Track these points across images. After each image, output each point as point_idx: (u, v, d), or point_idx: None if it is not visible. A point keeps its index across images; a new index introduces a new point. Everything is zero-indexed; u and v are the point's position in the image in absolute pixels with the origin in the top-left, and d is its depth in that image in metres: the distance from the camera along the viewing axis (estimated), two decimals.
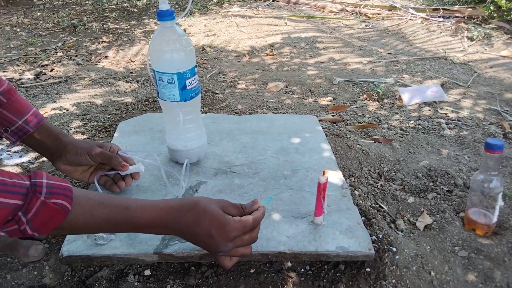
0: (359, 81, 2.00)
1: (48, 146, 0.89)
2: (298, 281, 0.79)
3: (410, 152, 1.29)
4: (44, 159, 1.19)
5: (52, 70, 2.19)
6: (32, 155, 1.23)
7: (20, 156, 1.22)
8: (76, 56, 2.47)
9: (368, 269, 0.81)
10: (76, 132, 1.38)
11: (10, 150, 1.26)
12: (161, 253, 0.77)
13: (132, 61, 2.37)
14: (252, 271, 0.81)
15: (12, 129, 0.84)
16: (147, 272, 0.80)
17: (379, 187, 1.10)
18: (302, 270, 0.81)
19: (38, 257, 0.82)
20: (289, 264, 0.82)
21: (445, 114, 1.66)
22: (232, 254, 0.70)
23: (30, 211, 0.55)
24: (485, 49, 2.57)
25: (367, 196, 1.05)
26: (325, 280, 0.79)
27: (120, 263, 0.81)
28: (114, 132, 1.20)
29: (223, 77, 2.06)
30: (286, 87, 1.92)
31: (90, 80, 2.01)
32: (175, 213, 0.66)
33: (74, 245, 0.78)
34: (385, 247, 0.86)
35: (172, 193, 0.91)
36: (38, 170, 0.60)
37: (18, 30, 3.13)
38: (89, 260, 0.77)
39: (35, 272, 0.81)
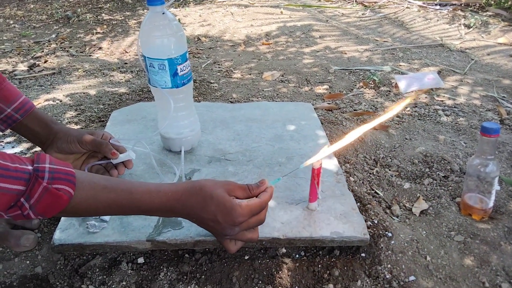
0: (355, 69, 1.98)
1: (39, 134, 0.87)
2: (293, 267, 0.78)
3: (406, 139, 1.28)
4: (37, 149, 1.18)
5: (45, 61, 2.17)
6: (25, 145, 1.22)
7: (13, 147, 1.21)
8: (70, 47, 2.44)
9: (363, 254, 0.81)
10: (70, 122, 1.36)
11: (3, 141, 1.25)
12: (154, 241, 0.76)
13: (126, 51, 2.35)
14: (246, 257, 0.80)
15: (1, 117, 0.83)
16: (141, 260, 0.79)
17: (374, 173, 1.09)
18: (297, 256, 0.81)
19: (29, 247, 0.81)
20: (284, 250, 0.81)
21: (442, 101, 1.65)
22: (239, 238, 0.70)
23: (33, 197, 0.54)
24: (482, 37, 2.55)
25: (363, 182, 1.04)
26: (320, 266, 0.79)
27: (113, 251, 0.80)
28: None
29: (218, 67, 2.04)
30: (282, 76, 1.91)
31: (84, 71, 1.99)
32: (181, 197, 0.65)
33: (66, 233, 0.77)
34: (380, 232, 0.85)
35: (166, 182, 0.90)
36: (42, 153, 0.59)
37: (11, 22, 3.10)
38: (81, 248, 0.76)
39: (28, 262, 0.80)
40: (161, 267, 0.78)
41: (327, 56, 2.19)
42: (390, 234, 0.85)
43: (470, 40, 2.49)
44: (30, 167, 0.55)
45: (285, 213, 0.82)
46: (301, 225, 0.79)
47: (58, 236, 0.77)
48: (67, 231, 0.78)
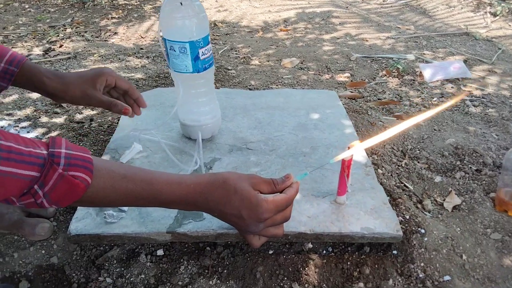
0: (377, 57, 1.91)
1: (43, 84, 0.82)
2: (320, 263, 0.74)
3: (434, 130, 1.22)
4: (53, 134, 1.15)
5: (61, 46, 2.13)
6: (40, 130, 1.19)
7: (28, 132, 1.18)
8: (86, 32, 2.41)
9: (395, 252, 0.76)
10: (86, 108, 1.33)
11: (18, 126, 1.22)
12: (175, 232, 0.72)
13: (142, 37, 2.31)
14: (270, 252, 0.76)
15: None
16: (160, 252, 0.76)
17: (403, 165, 1.03)
18: (324, 251, 0.76)
19: (45, 236, 0.78)
20: (310, 245, 0.77)
21: (469, 91, 1.58)
22: (263, 234, 0.66)
23: (47, 184, 0.50)
24: (510, 25, 2.45)
25: (391, 175, 0.99)
26: (349, 263, 0.74)
27: (131, 243, 0.77)
28: None
29: (236, 53, 1.99)
30: (302, 63, 1.85)
31: (99, 56, 1.96)
32: (204, 190, 0.61)
33: (83, 223, 0.74)
34: (413, 228, 0.80)
35: (185, 170, 0.86)
36: (58, 137, 0.55)
37: (27, 6, 3.07)
38: (99, 239, 0.73)
39: (43, 251, 0.77)
40: (182, 260, 0.75)
41: (348, 43, 2.12)
42: (423, 231, 0.80)
43: (496, 29, 2.39)
44: (45, 152, 0.51)
45: (312, 207, 0.78)
46: (329, 220, 0.75)
47: (75, 226, 0.73)
48: (83, 220, 0.74)
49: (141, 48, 2.09)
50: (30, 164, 0.49)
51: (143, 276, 0.72)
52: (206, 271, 0.73)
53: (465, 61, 1.86)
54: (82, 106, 1.33)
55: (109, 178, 0.56)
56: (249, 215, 0.61)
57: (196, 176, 0.64)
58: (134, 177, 0.58)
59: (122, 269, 0.74)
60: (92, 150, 1.05)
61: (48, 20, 2.67)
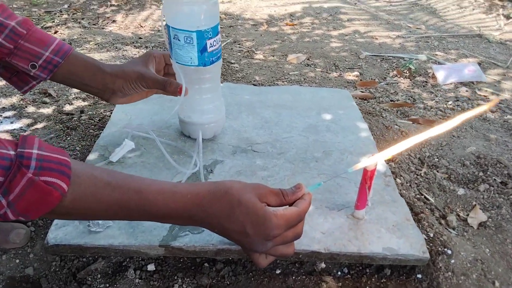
0: (388, 56, 1.82)
1: (87, 79, 0.75)
2: (334, 287, 0.65)
3: (453, 136, 1.12)
4: (38, 126, 1.05)
5: (56, 32, 2.03)
6: (25, 121, 1.08)
7: (12, 122, 1.08)
8: (83, 19, 2.30)
9: (419, 276, 0.67)
10: (77, 98, 1.23)
11: (1, 115, 1.12)
12: (169, 246, 0.63)
13: (141, 26, 2.20)
14: (278, 271, 0.67)
15: (40, 63, 0.70)
16: (151, 267, 0.66)
17: (422, 175, 0.94)
18: (339, 273, 0.67)
19: (20, 244, 0.69)
20: (323, 265, 0.68)
21: (485, 96, 1.49)
22: (271, 253, 0.56)
23: (13, 191, 0.41)
24: None
25: (410, 185, 0.90)
26: (367, 287, 0.65)
27: (118, 255, 0.67)
28: None
29: (239, 47, 1.89)
30: (308, 59, 1.75)
31: (96, 44, 1.85)
32: (202, 201, 0.52)
33: (63, 231, 0.64)
34: (438, 248, 0.71)
35: (183, 173, 0.77)
36: (30, 135, 0.45)
37: None
38: (81, 250, 0.63)
39: (17, 261, 0.68)
40: (175, 277, 0.65)
41: (357, 41, 2.02)
42: (449, 252, 0.70)
43: (510, 32, 2.30)
44: (12, 152, 0.41)
45: (326, 221, 0.69)
46: (346, 237, 0.65)
47: (54, 234, 0.64)
48: (64, 228, 0.65)
49: (140, 38, 1.98)
50: None
51: None
52: None
53: (479, 64, 1.77)
54: (73, 96, 1.23)
55: (90, 185, 0.46)
56: (256, 231, 0.52)
57: (194, 185, 0.54)
58: (120, 184, 0.49)
59: (107, 285, 0.64)
60: (79, 146, 0.95)
61: (44, 5, 2.55)
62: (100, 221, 0.65)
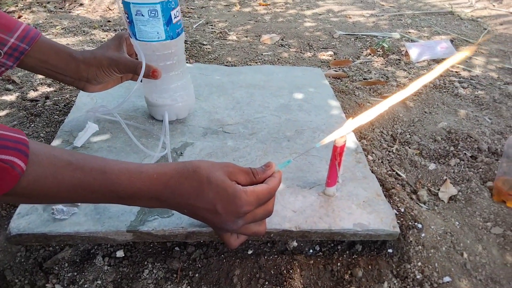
0: (361, 35, 1.81)
1: (58, 66, 0.72)
2: (306, 265, 0.64)
3: (425, 112, 1.13)
4: (1, 113, 1.01)
5: (20, 17, 1.94)
6: None
7: None
8: (48, 3, 2.20)
9: (390, 250, 0.67)
10: (41, 84, 1.18)
11: None
12: (137, 231, 0.61)
13: (110, 9, 2.13)
14: (249, 252, 0.66)
15: (5, 50, 0.67)
16: (120, 254, 0.65)
17: (394, 151, 0.95)
18: (311, 251, 0.67)
19: None
20: (295, 243, 0.67)
21: (457, 72, 1.51)
22: (242, 232, 0.55)
23: None
24: (494, 5, 2.39)
25: (382, 162, 0.90)
26: (339, 264, 0.65)
27: (86, 243, 0.65)
28: None
29: (212, 28, 1.85)
30: (282, 39, 1.73)
31: (62, 29, 1.78)
32: (170, 181, 0.50)
33: (26, 220, 0.62)
34: (409, 223, 0.71)
35: (151, 156, 0.75)
36: None
37: None
38: (46, 239, 0.61)
39: None
40: (145, 262, 0.64)
41: (330, 20, 2.01)
42: (420, 226, 0.71)
43: (481, 9, 2.32)
44: None
45: (297, 199, 0.68)
46: (317, 215, 0.65)
47: (16, 223, 0.61)
48: (27, 217, 0.62)
49: (109, 21, 1.92)
50: None
51: (99, 282, 0.61)
52: (175, 275, 0.62)
53: (451, 41, 1.78)
54: (38, 82, 1.19)
55: (49, 165, 0.44)
56: (226, 209, 0.51)
57: (161, 165, 0.52)
58: (82, 164, 0.47)
59: (75, 273, 0.62)
60: (43, 133, 0.91)
61: None
62: (64, 208, 0.62)
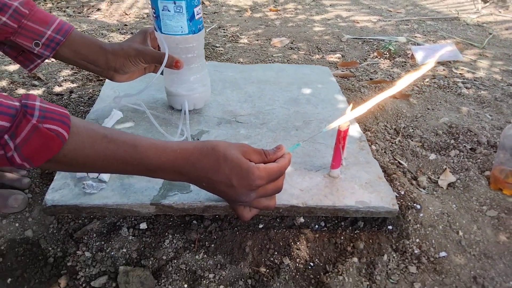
0: (369, 38, 1.88)
1: (88, 57, 0.80)
2: (312, 238, 0.70)
3: (428, 109, 1.19)
4: None
5: None
6: None
7: None
8: (67, 7, 2.31)
9: (390, 227, 0.73)
10: (65, 80, 1.26)
11: None
12: (159, 204, 0.68)
13: (126, 13, 2.22)
14: (260, 226, 0.72)
15: (43, 41, 0.74)
16: (143, 226, 0.71)
17: (397, 143, 1.00)
18: (317, 226, 0.73)
19: (18, 208, 0.73)
20: (302, 219, 0.73)
21: (461, 74, 1.56)
22: (254, 205, 0.62)
23: (19, 136, 0.45)
24: (500, 11, 2.44)
25: (385, 151, 0.96)
26: (342, 238, 0.71)
27: (112, 215, 0.72)
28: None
29: (224, 32, 1.93)
30: (292, 43, 1.80)
31: (81, 32, 1.87)
32: (191, 157, 0.57)
33: (60, 193, 0.69)
34: (408, 203, 0.77)
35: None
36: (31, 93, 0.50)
37: None
38: (77, 210, 0.68)
39: (17, 224, 0.72)
40: (166, 233, 0.70)
41: (339, 25, 2.07)
42: (418, 206, 0.77)
43: (487, 15, 2.38)
44: (17, 103, 0.46)
45: (304, 180, 0.74)
46: (322, 193, 0.71)
47: (51, 196, 0.68)
48: (60, 191, 0.69)
49: (125, 25, 2.01)
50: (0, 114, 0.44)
51: (124, 250, 0.68)
52: (192, 245, 0.69)
53: (456, 45, 1.84)
54: (62, 79, 1.27)
55: (88, 137, 0.51)
56: (240, 182, 0.57)
57: (183, 143, 0.59)
58: (116, 137, 0.54)
59: (102, 242, 0.69)
60: None
61: None
62: (94, 183, 0.69)
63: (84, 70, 1.34)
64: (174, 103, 0.91)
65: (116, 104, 0.87)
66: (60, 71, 1.34)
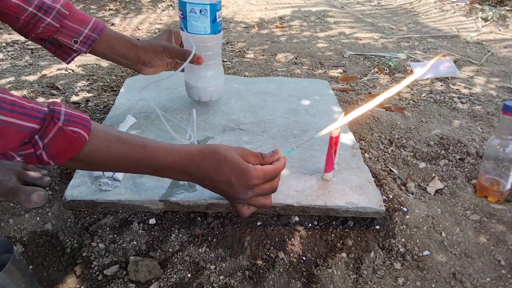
0: (370, 55, 1.96)
1: (120, 52, 0.89)
2: (305, 235, 0.77)
3: (422, 121, 1.26)
4: None
5: None
6: None
7: None
8: None
9: (377, 227, 0.80)
10: (82, 90, 1.35)
11: None
12: (167, 201, 0.75)
13: (138, 28, 2.33)
14: (258, 223, 0.79)
15: (81, 39, 0.84)
16: (152, 221, 0.79)
17: (389, 152, 1.07)
18: (310, 224, 0.80)
19: (40, 204, 0.81)
20: (297, 218, 0.80)
21: (458, 89, 1.63)
22: (251, 203, 0.69)
23: (47, 136, 0.53)
24: (499, 30, 2.51)
25: (377, 159, 1.03)
26: (333, 235, 0.77)
27: (125, 210, 0.79)
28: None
29: (231, 47, 2.02)
30: (296, 58, 1.88)
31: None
32: (195, 158, 0.64)
33: (78, 190, 0.76)
34: (396, 206, 0.83)
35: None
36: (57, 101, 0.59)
37: None
38: (93, 205, 0.75)
39: (38, 218, 0.80)
40: (173, 228, 0.77)
41: (342, 41, 2.16)
42: (405, 209, 0.83)
43: (487, 33, 2.45)
44: (46, 108, 0.54)
45: (299, 182, 0.81)
46: (315, 194, 0.78)
47: (70, 192, 0.76)
48: (79, 188, 0.77)
49: (138, 39, 2.11)
50: (31, 117, 0.52)
51: (135, 242, 0.75)
52: (196, 239, 0.76)
53: (455, 61, 1.91)
54: (78, 89, 1.36)
55: (105, 139, 0.59)
56: (238, 181, 0.64)
57: (188, 146, 0.67)
58: (129, 140, 0.61)
59: (115, 235, 0.76)
60: None
61: None
62: (109, 181, 0.77)
63: (99, 82, 1.43)
64: (192, 95, 1.04)
65: (145, 89, 0.96)
66: (76, 82, 1.43)
